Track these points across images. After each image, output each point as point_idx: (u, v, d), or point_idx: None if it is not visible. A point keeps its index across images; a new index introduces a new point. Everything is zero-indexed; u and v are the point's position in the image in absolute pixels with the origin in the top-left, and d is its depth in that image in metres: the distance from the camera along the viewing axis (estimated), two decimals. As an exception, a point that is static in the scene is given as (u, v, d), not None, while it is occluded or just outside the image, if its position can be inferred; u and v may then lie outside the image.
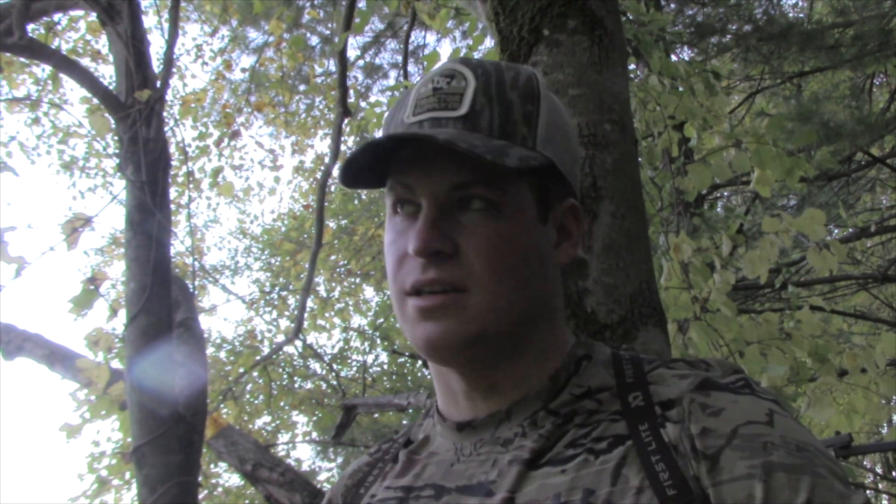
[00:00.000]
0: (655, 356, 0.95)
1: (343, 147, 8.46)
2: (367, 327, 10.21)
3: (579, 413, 0.73)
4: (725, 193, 7.17)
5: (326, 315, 8.81)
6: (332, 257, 8.53)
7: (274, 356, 7.29)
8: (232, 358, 8.77)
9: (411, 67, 6.99)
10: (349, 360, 10.64)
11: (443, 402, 0.81)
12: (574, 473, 0.67)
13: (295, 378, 9.59)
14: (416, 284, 0.72)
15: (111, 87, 3.30)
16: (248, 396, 8.12)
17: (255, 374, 6.26)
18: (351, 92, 5.73)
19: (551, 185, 0.78)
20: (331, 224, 8.98)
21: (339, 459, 12.37)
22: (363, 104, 7.20)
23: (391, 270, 0.76)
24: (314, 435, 10.10)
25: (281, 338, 8.69)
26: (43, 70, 6.21)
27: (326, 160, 6.13)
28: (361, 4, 4.86)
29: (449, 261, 0.72)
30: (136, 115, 3.00)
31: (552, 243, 0.78)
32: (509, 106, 0.74)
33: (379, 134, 0.81)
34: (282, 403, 8.75)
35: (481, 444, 0.75)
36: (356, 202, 9.98)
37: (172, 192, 6.26)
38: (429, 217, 0.72)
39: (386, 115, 0.83)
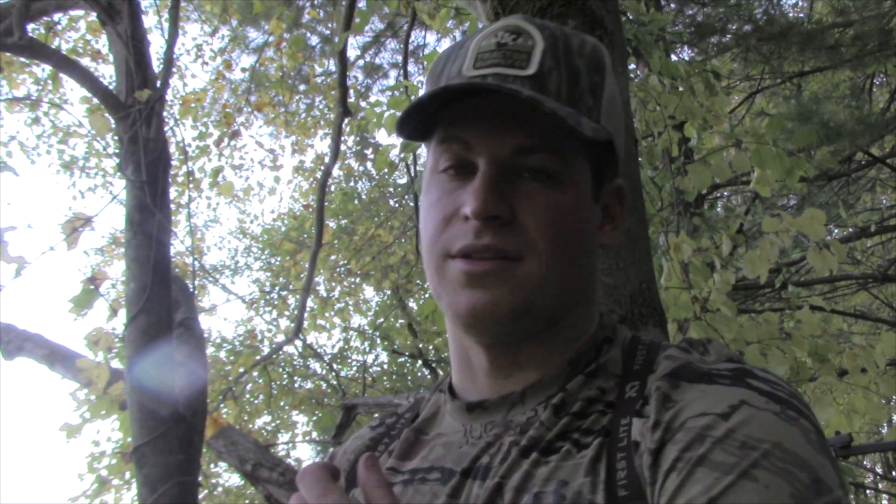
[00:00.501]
0: None
1: (343, 147, 8.47)
2: (367, 327, 10.21)
3: (579, 400, 0.69)
4: (725, 193, 7.17)
5: (326, 315, 8.81)
6: (332, 257, 8.52)
7: (274, 356, 7.29)
8: (232, 358, 8.77)
9: (411, 67, 6.99)
10: (349, 360, 10.64)
11: (458, 377, 0.76)
12: (556, 464, 0.64)
13: (295, 378, 9.59)
14: (467, 249, 0.67)
15: (111, 87, 3.30)
16: (248, 396, 8.12)
17: (255, 374, 6.27)
18: (351, 92, 5.74)
19: (605, 162, 0.74)
20: (331, 224, 8.98)
21: (339, 459, 12.35)
22: (363, 104, 7.20)
23: (432, 230, 0.70)
24: (314, 435, 10.11)
25: (281, 338, 8.69)
26: (43, 70, 6.21)
27: (326, 160, 6.13)
28: (361, 4, 4.86)
29: (505, 227, 0.67)
30: (136, 115, 3.00)
31: (598, 223, 0.75)
32: (577, 73, 0.70)
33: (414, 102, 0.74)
34: (282, 403, 8.75)
35: (492, 427, 0.71)
36: (356, 202, 9.98)
37: (172, 192, 6.26)
38: (489, 178, 0.67)
39: (432, 67, 0.76)
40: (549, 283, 0.68)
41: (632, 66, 4.81)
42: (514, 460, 0.66)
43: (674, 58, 4.60)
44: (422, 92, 0.76)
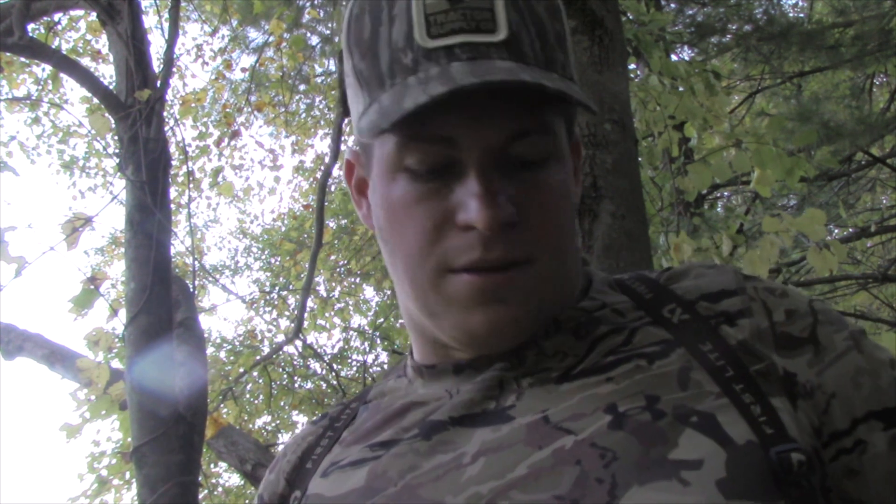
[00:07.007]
0: None
1: (343, 147, 8.46)
2: (367, 327, 10.21)
3: (604, 322, 0.60)
4: (725, 193, 7.17)
5: (326, 315, 8.81)
6: (332, 257, 8.52)
7: (274, 356, 7.29)
8: (232, 358, 8.77)
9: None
10: (349, 360, 10.64)
11: (425, 354, 0.66)
12: (628, 380, 0.55)
13: (295, 378, 9.59)
14: (477, 263, 0.56)
15: (111, 87, 3.30)
16: (248, 396, 8.12)
17: (255, 374, 6.27)
18: (351, 92, 5.73)
19: (572, 117, 0.64)
20: (331, 224, 8.98)
21: (339, 459, 12.36)
22: (363, 104, 7.19)
23: (420, 241, 0.57)
24: (314, 435, 10.09)
25: (281, 338, 8.69)
26: (43, 70, 6.21)
27: (326, 160, 6.13)
28: (361, 4, 4.86)
29: (513, 230, 0.56)
30: (136, 115, 3.00)
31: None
32: (542, 25, 0.57)
33: (348, 56, 0.61)
34: (282, 403, 8.75)
35: (486, 382, 0.61)
36: (356, 202, 9.97)
37: (172, 192, 6.25)
38: (488, 179, 0.55)
39: (352, 31, 0.60)
40: (562, 275, 0.60)
41: (632, 66, 4.81)
42: (549, 390, 0.57)
43: (674, 58, 4.60)
44: (348, 62, 0.60)
